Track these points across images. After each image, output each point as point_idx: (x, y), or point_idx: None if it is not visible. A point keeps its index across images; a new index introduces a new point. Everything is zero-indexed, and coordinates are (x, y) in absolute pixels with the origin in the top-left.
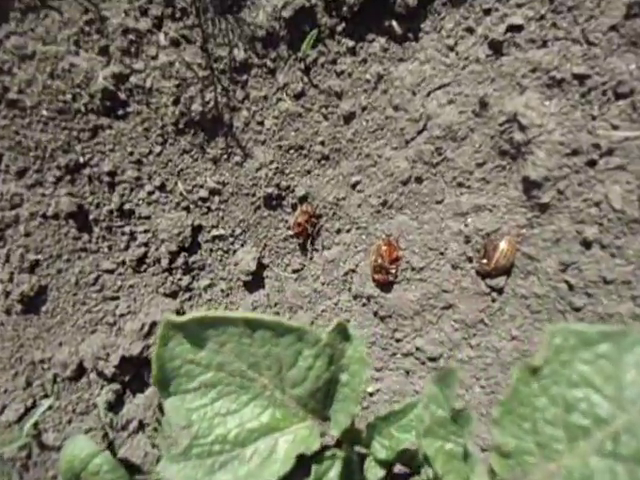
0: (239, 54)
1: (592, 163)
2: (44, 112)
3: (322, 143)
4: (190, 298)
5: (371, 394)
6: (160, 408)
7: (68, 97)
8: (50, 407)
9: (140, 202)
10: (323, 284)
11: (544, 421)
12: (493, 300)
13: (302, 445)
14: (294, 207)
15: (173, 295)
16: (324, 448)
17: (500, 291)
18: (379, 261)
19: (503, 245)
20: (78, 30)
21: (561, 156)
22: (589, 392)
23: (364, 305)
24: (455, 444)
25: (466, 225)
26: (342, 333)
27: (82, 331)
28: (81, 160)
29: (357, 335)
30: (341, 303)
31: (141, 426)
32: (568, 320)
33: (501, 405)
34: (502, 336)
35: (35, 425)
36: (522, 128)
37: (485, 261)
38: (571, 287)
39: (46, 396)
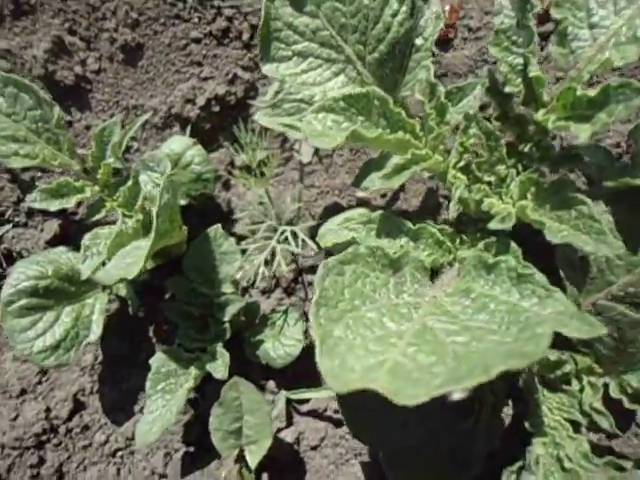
0: None
1: None
2: None
3: None
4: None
5: None
6: (232, 164)
7: None
8: (146, 122)
9: None
10: None
11: (596, 4)
12: None
13: None
14: None
15: (250, 70)
16: None
17: None
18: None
19: None
20: None
21: None
22: None
23: None
24: (515, 54)
25: None
26: None
27: (171, 88)
28: None
29: None
30: None
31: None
32: None
33: None
34: None
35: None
36: None
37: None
38: None
39: (134, 139)
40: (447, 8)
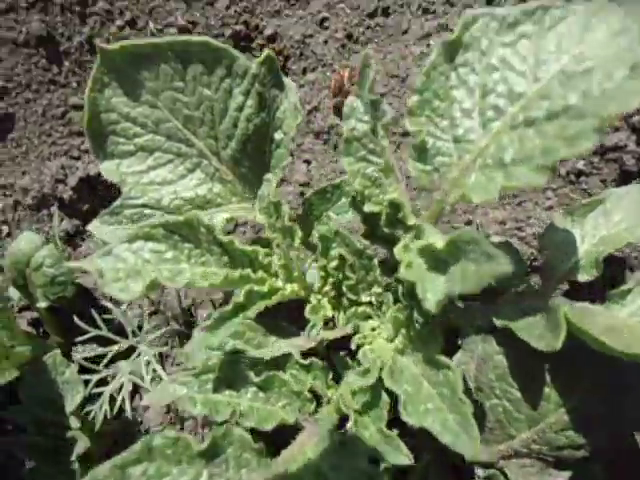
0: None
1: None
2: None
3: None
4: None
5: None
6: None
7: None
8: (17, 203)
9: (110, 37)
10: None
11: (461, 112)
12: None
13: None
14: (262, 47)
15: None
16: None
17: None
18: (338, 84)
19: None
20: None
21: None
22: (507, 73)
23: (325, 143)
24: (374, 165)
25: (428, 46)
26: (274, 75)
27: (47, 163)
28: None
29: (290, 85)
30: (305, 145)
31: None
32: None
33: (417, 94)
34: None
35: None
36: None
37: None
38: None
39: (4, 222)
40: (345, 74)
